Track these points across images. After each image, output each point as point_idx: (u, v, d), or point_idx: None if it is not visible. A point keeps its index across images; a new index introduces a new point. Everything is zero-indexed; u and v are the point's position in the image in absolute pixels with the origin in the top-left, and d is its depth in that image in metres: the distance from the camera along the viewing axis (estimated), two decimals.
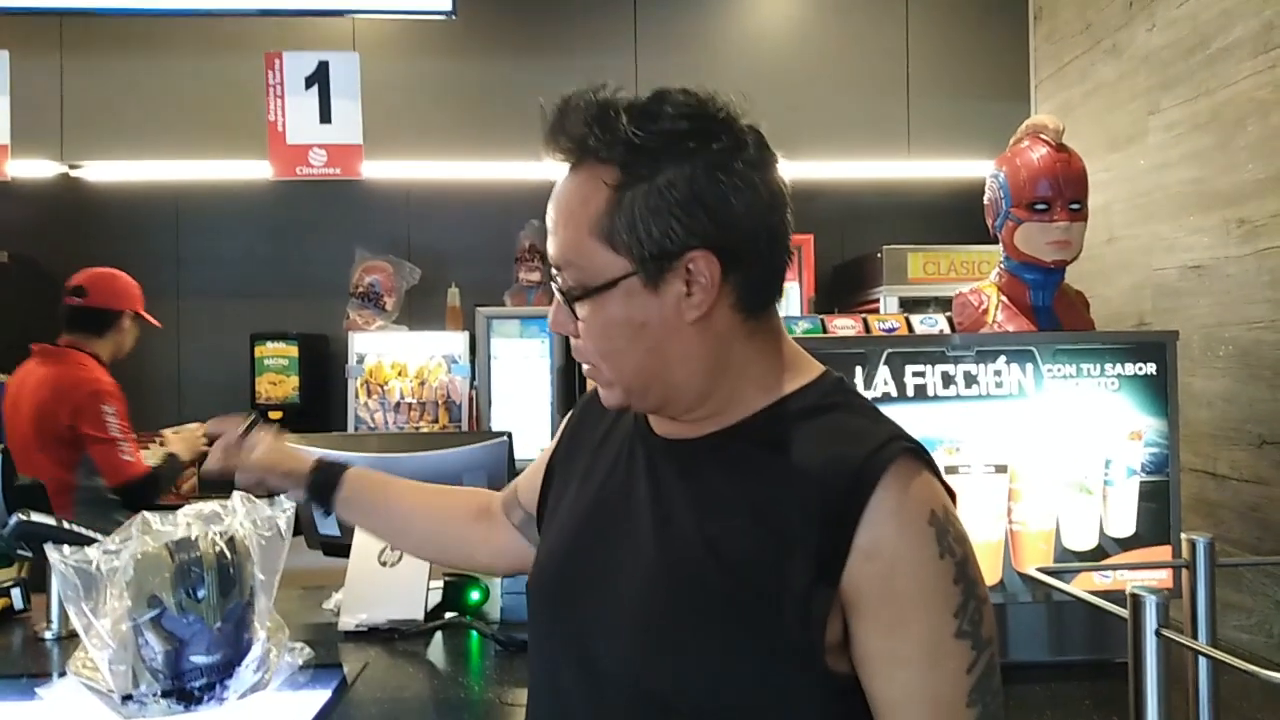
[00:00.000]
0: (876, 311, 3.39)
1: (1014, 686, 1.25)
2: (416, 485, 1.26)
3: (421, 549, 1.37)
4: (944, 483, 0.82)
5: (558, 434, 1.08)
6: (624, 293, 0.81)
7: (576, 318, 0.84)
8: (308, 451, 1.28)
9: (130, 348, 2.88)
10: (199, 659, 1.21)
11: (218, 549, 1.22)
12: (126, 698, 1.20)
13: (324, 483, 1.21)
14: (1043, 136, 1.73)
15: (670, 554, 0.83)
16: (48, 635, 1.74)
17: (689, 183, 0.78)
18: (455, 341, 3.82)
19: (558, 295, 0.86)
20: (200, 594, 1.20)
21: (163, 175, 3.82)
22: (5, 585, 1.88)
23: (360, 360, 3.74)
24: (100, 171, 3.79)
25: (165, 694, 1.21)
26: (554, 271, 0.84)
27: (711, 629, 0.79)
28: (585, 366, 0.88)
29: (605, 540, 0.89)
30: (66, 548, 1.18)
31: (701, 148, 0.79)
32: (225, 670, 1.25)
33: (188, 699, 1.22)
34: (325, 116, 2.80)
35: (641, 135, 0.78)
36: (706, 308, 0.81)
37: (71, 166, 3.71)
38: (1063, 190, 1.69)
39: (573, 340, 0.87)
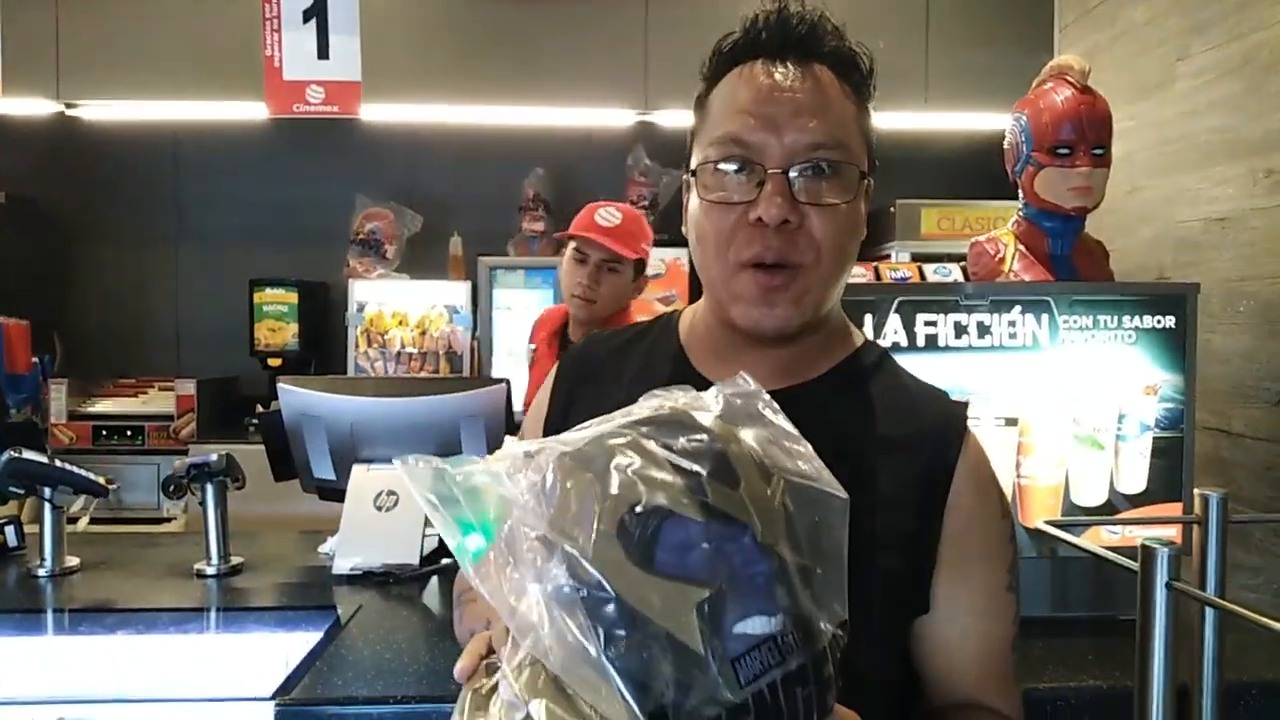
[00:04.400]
0: None
1: None
2: None
3: None
4: None
5: (547, 399, 0.95)
6: (865, 191, 0.82)
7: (833, 202, 0.79)
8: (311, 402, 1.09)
9: None
10: (756, 623, 0.53)
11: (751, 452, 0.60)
12: None
13: None
14: (1067, 78, 1.66)
15: None
16: (41, 572, 1.74)
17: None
18: (457, 291, 3.78)
19: (825, 171, 0.79)
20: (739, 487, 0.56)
21: (160, 115, 3.74)
22: None
23: (360, 309, 3.71)
24: (97, 111, 3.71)
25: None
26: (816, 150, 0.79)
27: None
28: (770, 275, 0.77)
29: None
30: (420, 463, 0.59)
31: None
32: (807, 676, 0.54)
33: None
34: (323, 52, 2.71)
35: (867, 62, 0.86)
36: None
37: (68, 105, 3.63)
38: (1086, 134, 1.63)
39: (780, 238, 0.77)
